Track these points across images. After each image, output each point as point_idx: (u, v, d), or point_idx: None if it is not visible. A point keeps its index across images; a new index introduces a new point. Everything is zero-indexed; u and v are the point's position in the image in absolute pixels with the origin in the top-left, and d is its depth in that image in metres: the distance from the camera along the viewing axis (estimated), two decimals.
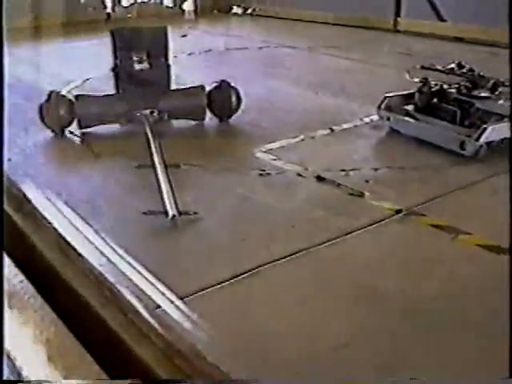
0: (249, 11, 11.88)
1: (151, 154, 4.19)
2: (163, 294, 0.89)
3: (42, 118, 4.94)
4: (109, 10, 11.26)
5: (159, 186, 3.75)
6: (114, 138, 5.03)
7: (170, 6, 11.35)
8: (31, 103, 5.29)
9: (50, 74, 7.22)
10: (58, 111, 4.92)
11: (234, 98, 5.17)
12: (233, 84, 5.23)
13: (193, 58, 7.96)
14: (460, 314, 2.66)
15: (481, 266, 3.09)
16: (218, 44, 8.82)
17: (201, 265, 3.05)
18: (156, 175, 3.90)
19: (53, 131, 4.98)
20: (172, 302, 0.85)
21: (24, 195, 1.29)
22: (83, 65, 7.58)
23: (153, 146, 4.31)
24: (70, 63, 7.80)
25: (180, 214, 3.47)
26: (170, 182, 3.78)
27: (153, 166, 4.05)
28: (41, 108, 4.96)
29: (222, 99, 5.16)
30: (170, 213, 3.45)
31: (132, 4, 11.19)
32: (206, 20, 11.16)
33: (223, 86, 5.20)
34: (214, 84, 5.23)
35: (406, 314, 2.68)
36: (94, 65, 7.13)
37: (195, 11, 11.42)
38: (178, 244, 3.33)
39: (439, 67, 5.35)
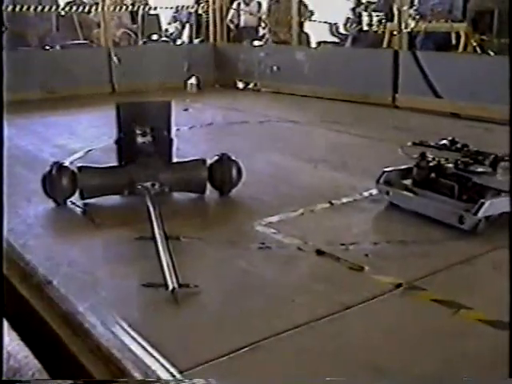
0: (250, 86, 12.19)
1: (152, 226, 4.21)
2: (166, 368, 0.89)
3: (45, 189, 5.00)
4: (114, 82, 11.55)
5: (159, 258, 3.75)
6: (115, 210, 5.08)
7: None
8: (34, 174, 5.38)
9: (54, 144, 7.35)
10: (61, 182, 4.97)
11: (234, 172, 5.23)
12: (233, 157, 5.31)
13: (194, 131, 8.11)
14: None
15: (482, 341, 3.06)
16: (220, 118, 9.01)
17: (201, 339, 3.02)
18: (156, 247, 3.91)
19: (55, 202, 5.02)
20: (173, 376, 0.85)
21: (29, 267, 1.31)
22: (86, 136, 7.73)
23: (153, 217, 4.33)
24: (74, 134, 7.95)
25: (180, 286, 3.46)
26: (170, 254, 3.79)
27: (153, 237, 4.06)
28: (44, 179, 5.02)
29: (223, 172, 5.22)
30: (170, 285, 3.44)
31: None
32: (207, 94, 11.42)
33: (224, 160, 5.27)
34: (215, 157, 5.30)
35: None
36: (97, 136, 7.28)
37: (198, 85, 11.70)
38: (178, 318, 3.30)
39: (432, 143, 5.46)
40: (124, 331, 1.11)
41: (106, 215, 4.90)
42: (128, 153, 5.20)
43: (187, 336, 3.06)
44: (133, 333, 1.10)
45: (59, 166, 5.07)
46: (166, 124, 5.28)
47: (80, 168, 5.14)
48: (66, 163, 5.52)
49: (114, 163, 5.28)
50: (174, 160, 5.33)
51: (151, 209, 4.48)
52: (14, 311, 1.13)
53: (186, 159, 5.36)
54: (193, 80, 11.75)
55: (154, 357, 1.03)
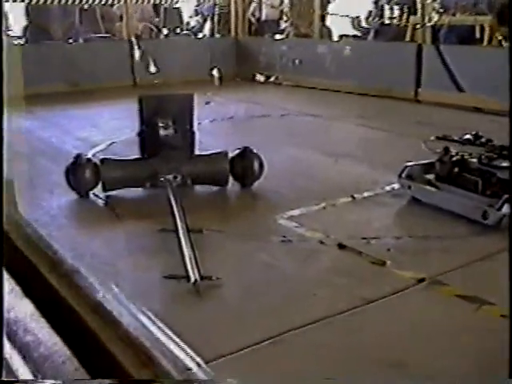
0: (271, 79, 12.17)
1: (174, 219, 4.23)
2: (192, 357, 0.90)
3: (68, 181, 5.04)
4: (136, 76, 11.60)
5: (181, 251, 3.77)
6: (138, 202, 5.11)
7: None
8: (57, 166, 5.42)
9: (77, 137, 7.41)
10: (84, 174, 5.01)
11: (256, 165, 5.24)
12: (255, 151, 5.31)
13: (216, 124, 8.12)
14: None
15: (503, 337, 3.04)
16: (241, 111, 9.02)
17: (222, 331, 3.04)
18: (178, 239, 3.92)
19: (78, 193, 5.07)
20: (199, 366, 0.86)
21: (57, 256, 1.32)
22: (108, 129, 7.77)
23: (175, 210, 4.35)
24: (97, 127, 8.01)
25: (202, 278, 3.48)
26: (192, 246, 3.80)
27: (175, 230, 4.08)
28: (67, 171, 5.06)
29: (245, 166, 5.24)
30: (192, 278, 3.46)
31: (159, 71, 11.51)
32: (229, 87, 11.42)
33: (246, 153, 5.29)
34: (237, 150, 5.32)
35: None
36: (119, 129, 7.32)
37: (220, 78, 11.72)
38: (201, 310, 3.32)
39: (455, 138, 5.41)
40: (150, 321, 1.12)
41: (128, 207, 4.94)
42: (150, 145, 5.23)
43: (209, 328, 3.07)
44: (159, 323, 1.11)
45: (82, 158, 5.12)
46: (188, 117, 5.31)
47: (102, 160, 5.19)
48: (89, 155, 5.57)
49: (137, 156, 5.31)
50: (197, 153, 5.35)
51: (173, 201, 4.50)
52: (42, 299, 1.14)
53: (208, 152, 5.37)
54: (215, 72, 11.77)
55: (180, 346, 1.03)
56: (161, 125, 5.14)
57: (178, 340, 1.11)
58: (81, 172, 5.02)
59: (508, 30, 7.64)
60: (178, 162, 5.08)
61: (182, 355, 1.02)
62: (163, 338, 1.07)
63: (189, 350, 1.09)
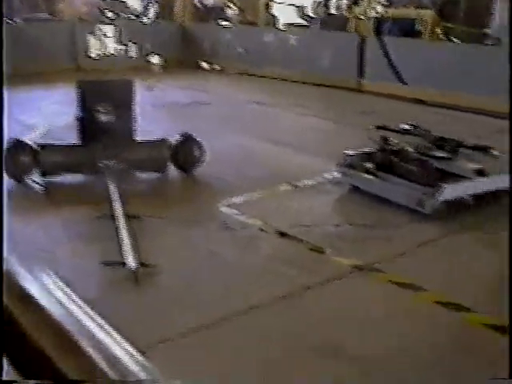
0: (216, 67, 12.10)
1: (113, 205, 4.18)
2: (123, 346, 0.87)
3: (4, 165, 4.83)
4: (79, 60, 11.35)
5: (119, 238, 3.72)
6: (76, 188, 5.01)
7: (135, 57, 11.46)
8: None
9: (15, 120, 7.19)
10: (20, 159, 4.88)
11: (196, 151, 5.23)
12: (197, 137, 5.28)
13: (159, 110, 8.03)
14: (414, 370, 2.68)
15: (439, 323, 3.13)
16: (185, 98, 8.94)
17: (160, 318, 3.02)
18: (117, 226, 3.88)
19: (14, 179, 4.91)
20: (132, 355, 0.83)
21: None
22: (49, 113, 7.59)
23: (115, 196, 4.31)
24: (36, 111, 7.80)
25: (140, 265, 3.45)
26: (130, 233, 3.76)
27: (114, 216, 4.03)
28: (3, 155, 4.87)
29: (185, 152, 5.22)
30: (130, 265, 3.42)
31: (101, 56, 11.29)
32: (173, 74, 11.31)
33: (186, 139, 5.27)
34: (177, 137, 5.29)
35: (363, 370, 2.68)
36: (60, 113, 7.15)
37: (163, 65, 11.58)
38: (138, 297, 3.29)
39: (395, 128, 5.51)
40: (81, 309, 1.09)
41: (66, 193, 4.85)
42: (90, 131, 5.13)
43: (146, 315, 3.05)
44: (89, 311, 1.08)
45: (18, 143, 4.97)
46: (128, 103, 5.23)
47: (41, 145, 5.05)
48: (26, 139, 5.42)
49: (75, 141, 5.19)
50: (137, 139, 5.27)
51: (112, 187, 4.45)
52: None
53: (149, 139, 5.31)
54: (155, 59, 11.59)
55: (111, 335, 1.01)
56: (101, 110, 5.06)
57: (109, 329, 1.09)
58: (17, 157, 4.88)
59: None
60: (118, 148, 5.01)
61: (113, 345, 0.99)
62: (94, 328, 1.05)
63: (121, 339, 1.06)
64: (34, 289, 1.10)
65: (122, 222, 3.92)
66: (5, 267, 1.19)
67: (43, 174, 4.95)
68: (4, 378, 0.90)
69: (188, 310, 3.12)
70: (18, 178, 4.94)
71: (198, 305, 3.18)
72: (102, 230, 4.02)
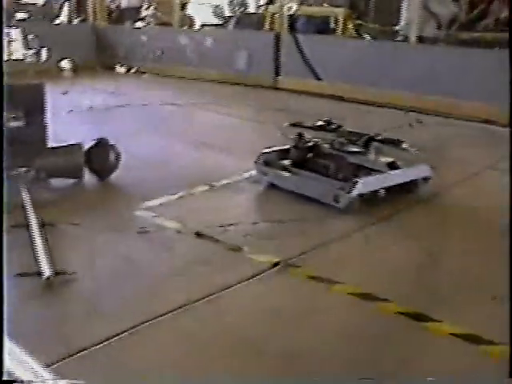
0: (133, 69, 11.94)
1: (26, 214, 4.08)
2: (29, 365, 0.86)
3: None
4: None
5: (34, 246, 3.63)
6: None
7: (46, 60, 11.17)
8: None
9: None
10: None
11: (112, 156, 5.16)
12: (112, 141, 5.21)
13: (74, 115, 7.86)
14: (334, 362, 2.75)
15: (353, 313, 3.21)
16: (101, 101, 8.78)
17: (76, 327, 2.96)
18: (31, 235, 3.78)
19: None
20: (36, 373, 0.81)
21: None
22: None
23: (28, 204, 4.20)
24: None
25: (56, 274, 3.37)
26: (45, 241, 3.68)
27: (27, 225, 3.94)
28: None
29: (100, 157, 5.14)
30: (45, 274, 3.34)
31: (7, 60, 10.94)
32: (87, 77, 11.08)
33: (101, 144, 5.18)
34: (92, 142, 5.20)
35: (283, 363, 2.72)
36: None
37: (74, 69, 11.33)
38: (53, 306, 3.22)
39: (309, 124, 5.62)
40: None
41: None
42: None
43: (61, 324, 2.99)
44: None
45: None
46: (39, 108, 5.06)
47: None
48: None
49: None
50: (50, 145, 5.13)
51: (25, 196, 4.34)
52: None
53: (62, 144, 5.18)
54: (65, 63, 11.31)
55: (22, 349, 0.99)
56: (10, 116, 4.92)
57: (12, 345, 1.06)
58: None
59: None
60: (30, 155, 4.85)
61: (24, 357, 0.97)
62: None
63: (25, 357, 1.04)
64: None
65: (36, 231, 3.83)
66: None
67: None
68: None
69: (105, 317, 3.08)
70: None
71: (115, 311, 3.14)
72: (16, 239, 3.90)
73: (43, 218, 4.03)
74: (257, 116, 7.89)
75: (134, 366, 2.69)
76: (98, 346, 2.80)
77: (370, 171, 4.83)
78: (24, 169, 4.73)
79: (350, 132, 5.31)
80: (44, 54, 11.09)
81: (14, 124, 4.88)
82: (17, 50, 11.24)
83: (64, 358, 2.64)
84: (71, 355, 2.69)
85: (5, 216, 4.16)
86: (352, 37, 10.52)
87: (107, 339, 2.85)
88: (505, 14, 8.95)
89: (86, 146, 5.15)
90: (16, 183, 4.59)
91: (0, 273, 1.05)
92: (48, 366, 2.34)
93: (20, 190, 4.46)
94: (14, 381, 0.91)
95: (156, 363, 2.71)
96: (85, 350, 2.76)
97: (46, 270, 3.37)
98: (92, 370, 2.63)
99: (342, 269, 3.68)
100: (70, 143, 5.17)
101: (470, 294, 3.43)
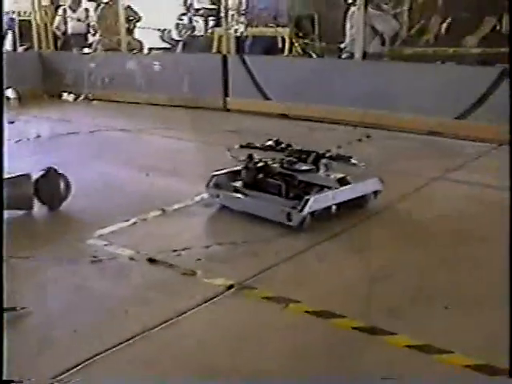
0: (80, 98, 11.81)
1: None
2: None
3: None
4: None
5: None
6: None
7: None
8: None
9: None
10: None
11: (62, 185, 5.10)
12: (61, 170, 5.14)
13: (21, 145, 7.74)
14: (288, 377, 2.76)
15: (309, 331, 3.22)
16: (48, 130, 8.66)
17: (26, 365, 2.89)
18: None
19: None
20: None
21: None
22: None
23: None
24: None
25: (5, 310, 3.28)
26: None
27: None
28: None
29: (50, 187, 5.06)
30: None
31: None
32: (34, 106, 10.94)
33: (50, 174, 5.11)
34: (41, 172, 5.12)
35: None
36: None
37: (19, 98, 11.17)
38: (7, 342, 3.14)
39: (258, 145, 5.66)
40: None
41: None
42: None
43: (10, 363, 2.91)
44: None
45: None
46: None
47: None
48: None
49: None
50: None
51: None
52: None
53: (10, 175, 5.08)
54: (10, 93, 11.12)
55: None
56: None
57: None
58: None
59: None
60: None
61: None
62: None
63: None
64: None
65: None
66: None
67: None
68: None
69: (58, 351, 3.03)
70: None
71: (69, 345, 3.09)
72: None
73: None
74: (207, 138, 7.89)
75: None
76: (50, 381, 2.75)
77: (321, 188, 4.87)
78: None
79: (299, 150, 5.35)
80: None
81: None
82: None
83: None
84: None
85: None
86: (299, 55, 10.67)
87: (58, 375, 2.80)
88: (442, 29, 9.24)
89: (35, 176, 5.06)
90: None
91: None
92: None
93: None
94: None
95: None
96: None
97: None
98: None
99: (297, 288, 3.70)
100: (18, 174, 5.05)
101: (424, 305, 3.48)
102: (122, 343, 3.07)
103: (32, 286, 3.77)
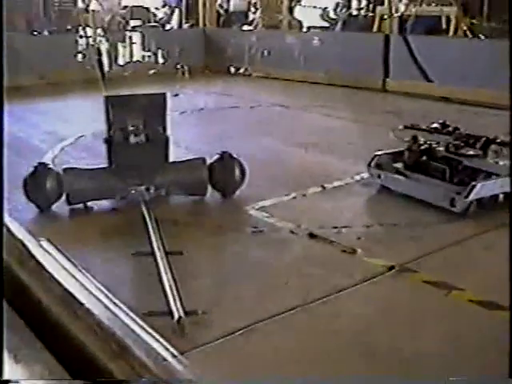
0: (241, 71, 12.12)
1: (150, 239, 3.79)
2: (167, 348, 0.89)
3: (27, 194, 4.39)
4: (105, 68, 11.45)
5: (161, 280, 3.30)
6: (106, 218, 4.50)
7: (163, 62, 11.58)
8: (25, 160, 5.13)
9: (44, 131, 7.29)
10: (45, 186, 4.39)
11: (237, 172, 4.78)
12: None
13: (185, 116, 8.07)
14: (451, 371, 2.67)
15: (474, 322, 3.10)
16: (210, 103, 8.98)
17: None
18: (157, 265, 3.47)
19: (38, 207, 4.46)
20: (175, 356, 0.85)
21: (28, 251, 1.31)
22: (76, 122, 7.67)
23: (150, 228, 3.91)
24: (64, 120, 7.89)
25: (186, 314, 2.98)
26: (172, 273, 3.35)
27: (152, 253, 3.62)
28: (25, 182, 4.40)
29: (225, 173, 4.77)
30: (176, 314, 2.97)
31: (128, 63, 11.40)
32: (198, 79, 11.35)
33: (225, 159, 4.82)
34: (216, 156, 4.86)
35: (401, 370, 2.67)
36: (87, 122, 7.21)
37: (189, 70, 11.63)
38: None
39: (423, 127, 5.47)
40: (122, 312, 1.10)
41: (95, 225, 4.35)
42: (119, 153, 4.65)
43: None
44: (131, 313, 1.10)
45: (43, 168, 4.51)
46: (160, 120, 4.75)
47: (66, 169, 4.57)
48: (50, 165, 4.90)
49: (104, 164, 4.72)
50: (171, 160, 4.80)
51: (148, 219, 4.04)
52: (12, 293, 1.13)
53: (184, 159, 4.89)
54: (178, 66, 11.62)
55: (154, 337, 1.03)
56: (131, 129, 4.62)
57: (153, 332, 1.10)
58: (40, 183, 4.40)
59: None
60: (151, 171, 4.57)
61: (156, 346, 1.01)
62: (137, 329, 1.06)
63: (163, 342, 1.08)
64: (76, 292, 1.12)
65: (161, 260, 3.50)
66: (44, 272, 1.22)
67: (69, 202, 4.48)
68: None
69: (221, 313, 3.13)
70: (42, 206, 4.47)
71: (233, 308, 3.18)
72: (139, 269, 3.67)
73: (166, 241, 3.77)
74: (365, 118, 7.78)
75: (250, 365, 2.72)
76: (218, 341, 2.84)
77: (488, 175, 4.63)
78: (144, 186, 4.50)
79: (467, 134, 5.12)
80: (160, 56, 11.50)
81: (134, 139, 4.63)
82: (136, 52, 11.69)
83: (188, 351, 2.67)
84: (194, 348, 2.73)
85: (125, 240, 3.95)
86: (465, 36, 10.18)
87: (225, 336, 2.88)
88: None
89: (209, 161, 4.82)
90: (136, 201, 4.39)
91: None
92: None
93: (141, 210, 4.22)
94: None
95: (271, 361, 2.73)
96: (207, 344, 2.81)
97: (176, 311, 2.99)
98: (213, 363, 2.67)
99: (460, 275, 3.56)
100: (193, 158, 4.89)
101: None
102: (282, 313, 3.09)
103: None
